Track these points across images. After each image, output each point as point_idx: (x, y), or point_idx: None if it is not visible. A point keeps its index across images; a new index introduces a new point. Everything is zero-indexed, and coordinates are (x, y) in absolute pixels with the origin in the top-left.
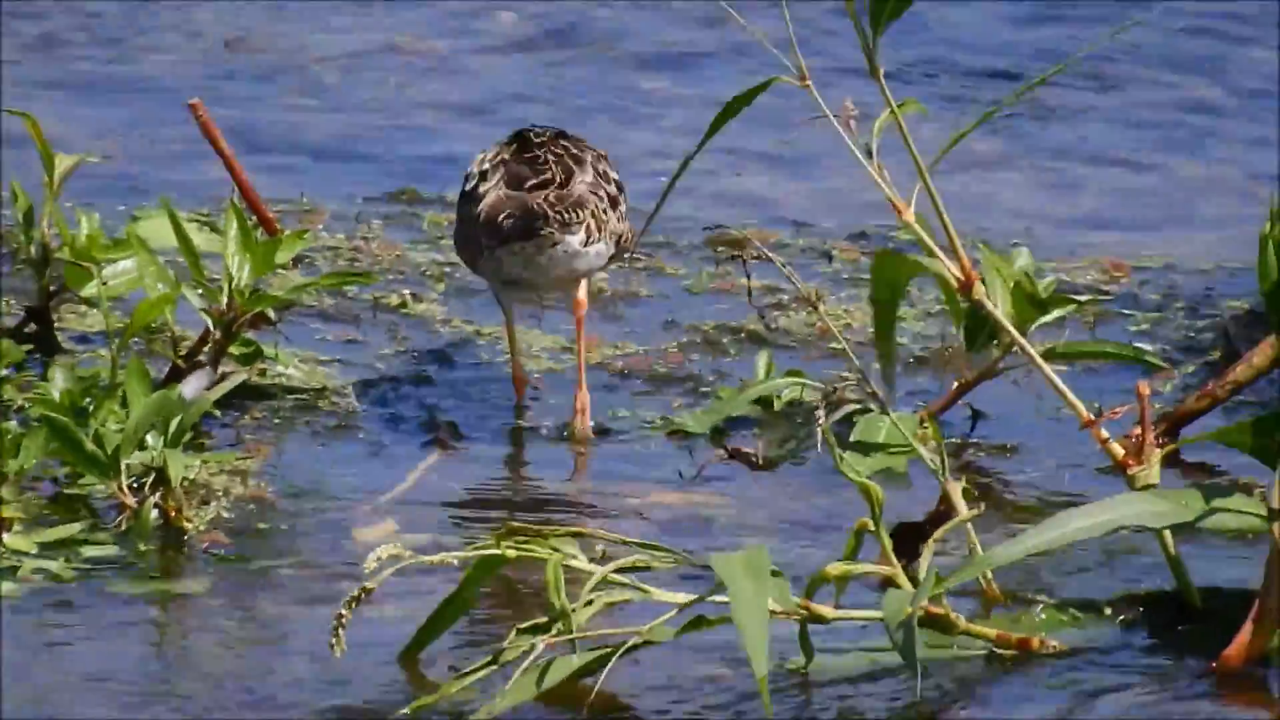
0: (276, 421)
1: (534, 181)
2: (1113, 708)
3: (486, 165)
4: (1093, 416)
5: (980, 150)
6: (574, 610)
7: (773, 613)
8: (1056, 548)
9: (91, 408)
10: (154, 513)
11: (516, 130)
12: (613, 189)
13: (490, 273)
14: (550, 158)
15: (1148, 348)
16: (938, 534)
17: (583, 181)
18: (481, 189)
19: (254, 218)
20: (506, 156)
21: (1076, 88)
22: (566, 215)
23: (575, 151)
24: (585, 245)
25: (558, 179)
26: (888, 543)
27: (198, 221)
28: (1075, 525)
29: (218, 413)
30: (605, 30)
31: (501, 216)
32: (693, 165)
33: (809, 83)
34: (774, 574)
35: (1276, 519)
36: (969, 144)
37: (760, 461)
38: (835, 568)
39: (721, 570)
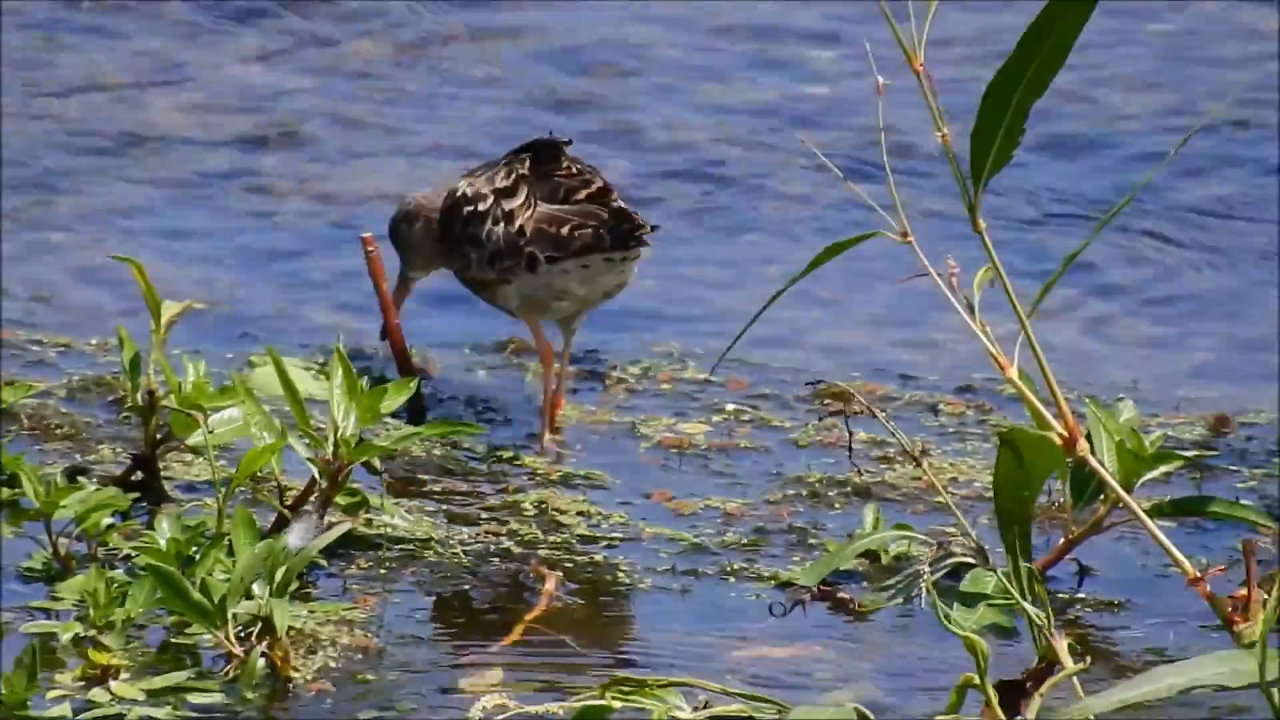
0: (382, 571)
1: (591, 190)
2: None
3: (499, 184)
4: (1198, 573)
5: (1083, 301)
6: None
7: None
8: (1151, 702)
9: (198, 556)
10: (261, 662)
11: (530, 143)
12: None
13: (531, 290)
14: (584, 170)
15: (1254, 505)
16: (1042, 689)
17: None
18: (509, 205)
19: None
20: (523, 172)
21: (1173, 234)
22: (650, 226)
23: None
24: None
25: (612, 190)
26: (993, 696)
27: (313, 368)
28: (1168, 681)
29: (324, 562)
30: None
31: (573, 228)
32: (798, 319)
33: (911, 239)
34: None
35: None
36: (1070, 295)
37: (856, 606)
38: None
39: None
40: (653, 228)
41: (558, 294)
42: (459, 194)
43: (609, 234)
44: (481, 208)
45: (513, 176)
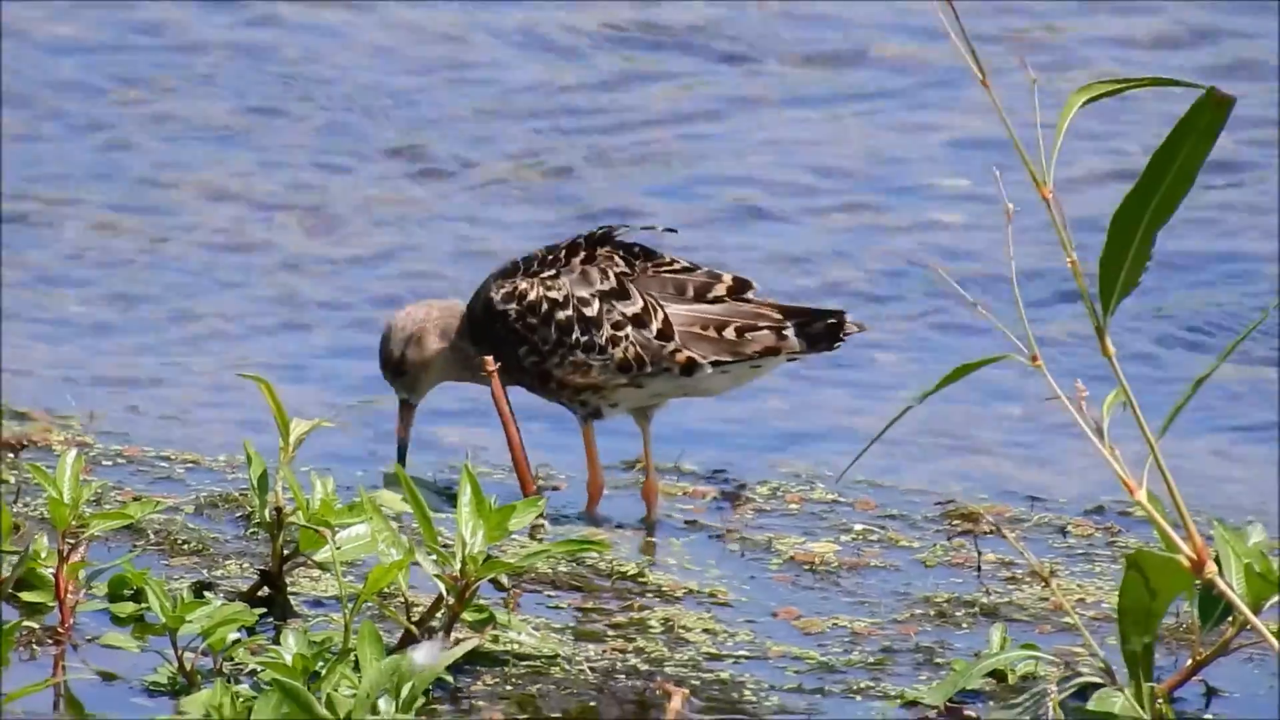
0: (508, 688)
1: (729, 284)
2: None
3: (599, 285)
4: None
5: (1212, 422)
6: None
7: None
8: None
9: (323, 672)
10: None
11: (591, 235)
12: None
13: (664, 390)
14: (694, 264)
15: None
16: None
17: None
18: (628, 308)
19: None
20: (624, 269)
21: None
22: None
23: None
24: None
25: (751, 283)
26: None
27: (440, 486)
28: None
29: (450, 678)
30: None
31: (739, 329)
32: (927, 441)
33: (1040, 363)
34: None
35: None
36: (1199, 416)
37: None
38: None
39: None
40: (860, 327)
41: (698, 392)
42: (534, 297)
43: (798, 333)
44: (588, 312)
45: (611, 276)
